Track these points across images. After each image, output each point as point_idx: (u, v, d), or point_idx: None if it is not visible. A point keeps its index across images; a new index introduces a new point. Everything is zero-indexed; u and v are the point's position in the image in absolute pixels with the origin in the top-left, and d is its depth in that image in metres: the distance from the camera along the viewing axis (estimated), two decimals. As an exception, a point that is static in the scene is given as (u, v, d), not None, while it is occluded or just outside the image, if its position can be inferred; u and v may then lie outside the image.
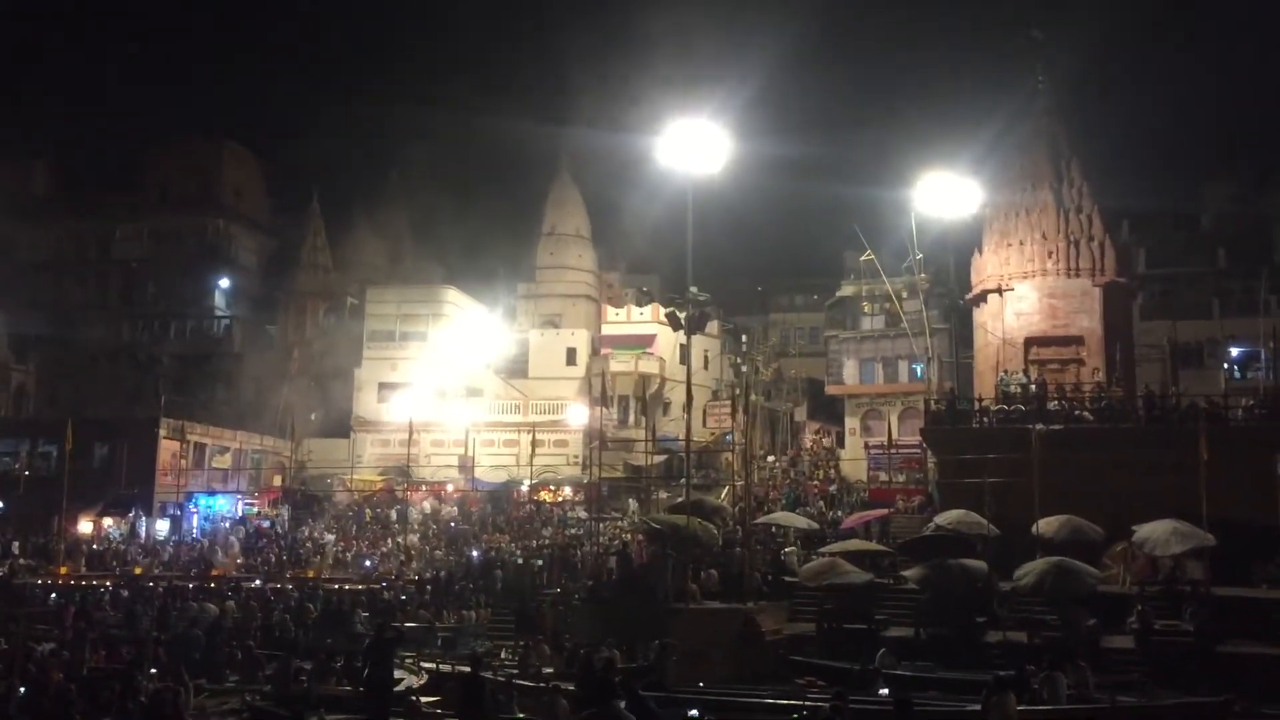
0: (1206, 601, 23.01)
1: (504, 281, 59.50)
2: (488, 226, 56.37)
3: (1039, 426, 28.02)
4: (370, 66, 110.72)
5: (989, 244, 37.18)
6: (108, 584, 31.82)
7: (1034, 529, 25.56)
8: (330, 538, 37.84)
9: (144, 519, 40.90)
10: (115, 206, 61.03)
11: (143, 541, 38.86)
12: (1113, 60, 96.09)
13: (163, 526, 41.43)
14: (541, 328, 54.42)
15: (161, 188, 61.23)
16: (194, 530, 41.68)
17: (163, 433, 43.10)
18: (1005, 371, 33.76)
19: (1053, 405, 31.11)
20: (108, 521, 41.06)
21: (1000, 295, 36.14)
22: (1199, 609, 22.47)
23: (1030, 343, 35.44)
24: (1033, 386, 32.05)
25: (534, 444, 41.48)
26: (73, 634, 22.76)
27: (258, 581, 32.07)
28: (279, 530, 39.87)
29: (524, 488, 43.49)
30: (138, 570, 34.27)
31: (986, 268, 37.03)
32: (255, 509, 44.41)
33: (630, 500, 40.69)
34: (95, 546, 37.65)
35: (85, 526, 40.13)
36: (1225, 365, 44.42)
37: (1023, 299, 35.80)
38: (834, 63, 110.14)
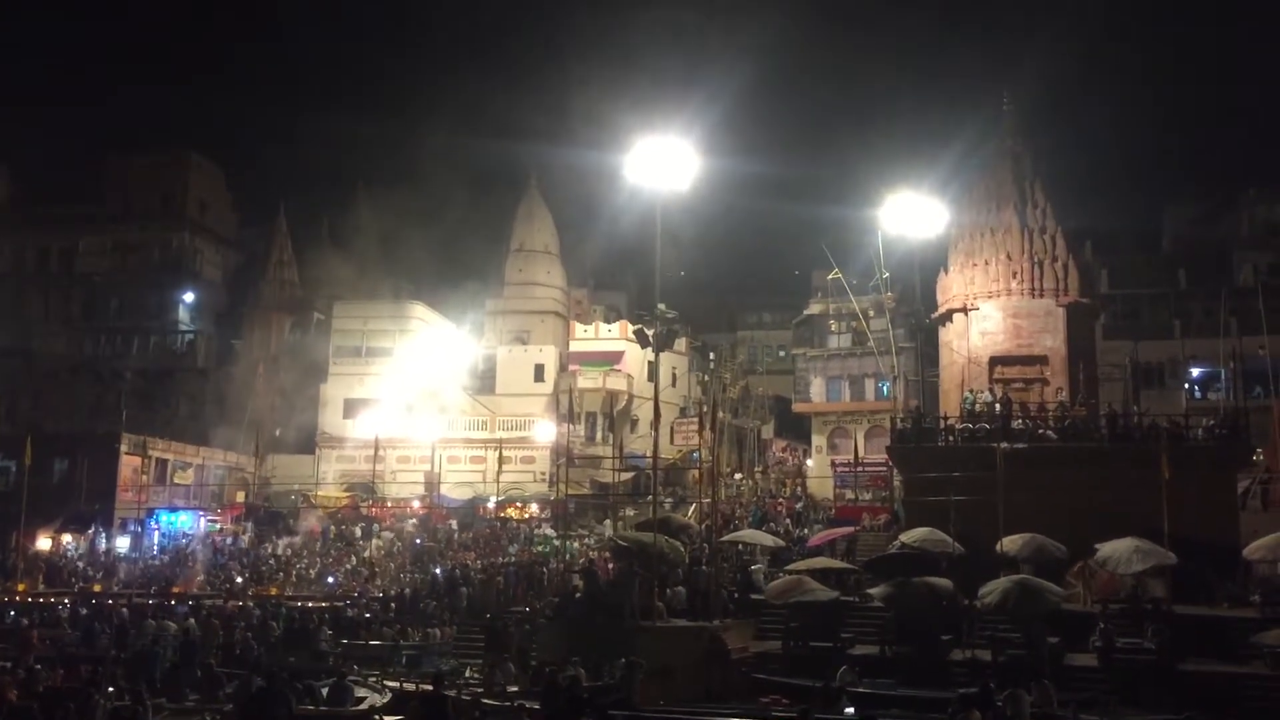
0: (1168, 619, 23.20)
1: (472, 297, 59.30)
2: (456, 242, 56.19)
3: (1003, 445, 28.19)
4: (338, 81, 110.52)
5: (954, 263, 37.49)
6: (66, 601, 31.33)
7: (998, 547, 25.71)
8: (290, 547, 37.53)
9: (104, 535, 40.38)
10: (78, 219, 60.38)
11: (101, 558, 38.34)
12: (1076, 85, 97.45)
13: (123, 543, 40.89)
14: (509, 344, 54.25)
15: (125, 200, 60.65)
16: (154, 547, 41.16)
17: (124, 448, 42.63)
18: (970, 390, 33.99)
19: (1017, 424, 31.36)
20: (67, 538, 40.50)
21: (965, 314, 36.43)
22: (1161, 627, 22.65)
23: (995, 362, 35.73)
24: (997, 405, 32.28)
25: (501, 460, 41.33)
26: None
27: (219, 601, 31.66)
28: (240, 547, 39.49)
29: (490, 504, 43.28)
30: (97, 587, 33.78)
31: (952, 287, 37.31)
32: (218, 525, 43.95)
33: (607, 522, 40.49)
34: (55, 562, 37.13)
35: (44, 543, 39.57)
36: (1186, 385, 44.94)
37: (987, 318, 36.10)
38: (802, 83, 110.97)
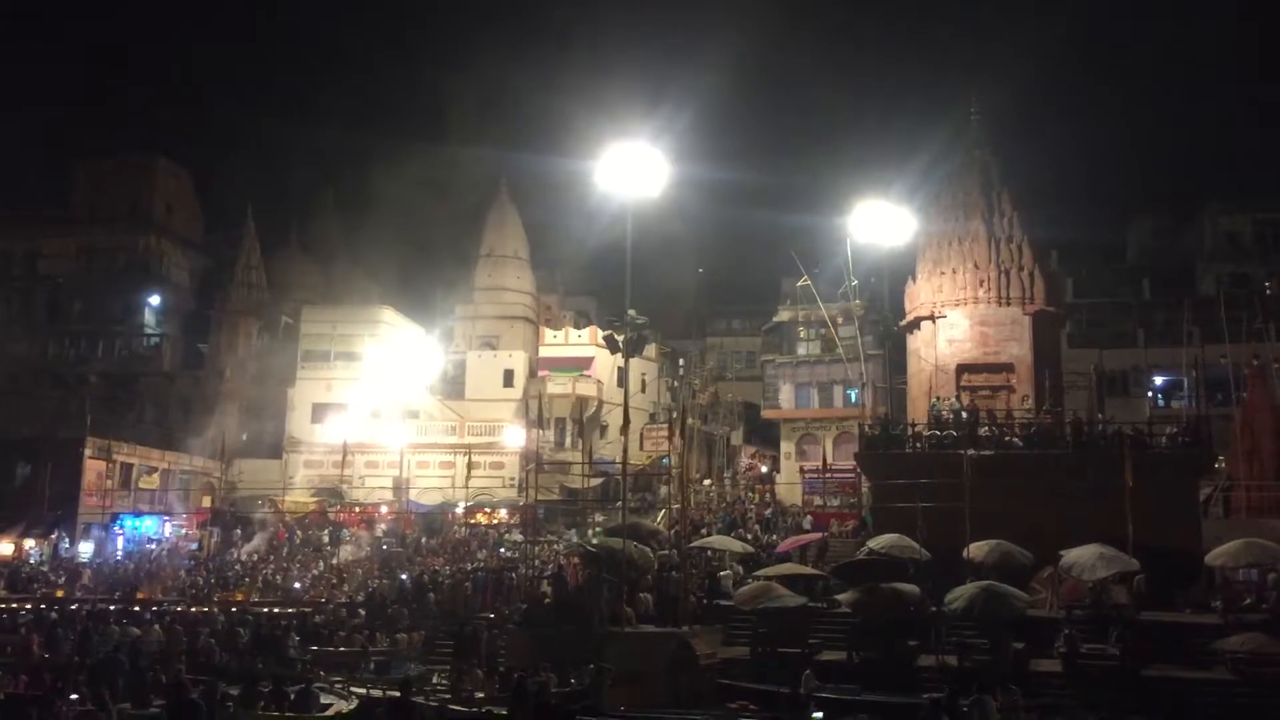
0: (1132, 625, 23.44)
1: (441, 302, 59.13)
2: (425, 247, 56.09)
3: (970, 452, 28.42)
4: (307, 84, 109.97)
5: (922, 272, 37.75)
6: (27, 607, 30.90)
7: (965, 553, 25.89)
8: (252, 548, 37.24)
9: (67, 540, 39.92)
10: (42, 221, 59.72)
11: (63, 564, 37.91)
12: (1042, 96, 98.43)
13: (86, 548, 40.44)
14: (479, 349, 54.12)
15: (91, 203, 60.04)
16: (118, 552, 40.73)
17: (88, 452, 42.13)
18: (938, 397, 34.21)
19: (983, 431, 31.55)
20: (29, 543, 40.03)
21: (933, 322, 36.67)
22: (1124, 633, 22.88)
23: (962, 369, 35.98)
24: (964, 413, 32.50)
25: (470, 466, 41.20)
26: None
27: (184, 607, 31.34)
28: (196, 551, 39.20)
29: (459, 510, 43.14)
30: (59, 593, 33.38)
31: (920, 295, 37.57)
32: (183, 530, 43.57)
33: (588, 531, 40.38)
34: (17, 567, 36.67)
35: (6, 548, 39.11)
36: (1150, 393, 45.45)
37: (955, 326, 36.35)
38: (770, 91, 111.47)
